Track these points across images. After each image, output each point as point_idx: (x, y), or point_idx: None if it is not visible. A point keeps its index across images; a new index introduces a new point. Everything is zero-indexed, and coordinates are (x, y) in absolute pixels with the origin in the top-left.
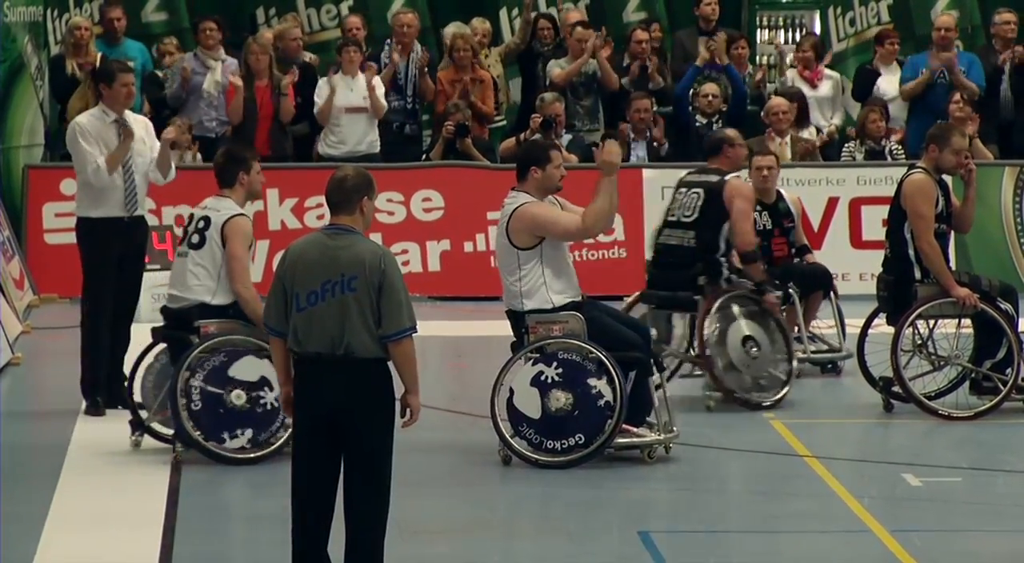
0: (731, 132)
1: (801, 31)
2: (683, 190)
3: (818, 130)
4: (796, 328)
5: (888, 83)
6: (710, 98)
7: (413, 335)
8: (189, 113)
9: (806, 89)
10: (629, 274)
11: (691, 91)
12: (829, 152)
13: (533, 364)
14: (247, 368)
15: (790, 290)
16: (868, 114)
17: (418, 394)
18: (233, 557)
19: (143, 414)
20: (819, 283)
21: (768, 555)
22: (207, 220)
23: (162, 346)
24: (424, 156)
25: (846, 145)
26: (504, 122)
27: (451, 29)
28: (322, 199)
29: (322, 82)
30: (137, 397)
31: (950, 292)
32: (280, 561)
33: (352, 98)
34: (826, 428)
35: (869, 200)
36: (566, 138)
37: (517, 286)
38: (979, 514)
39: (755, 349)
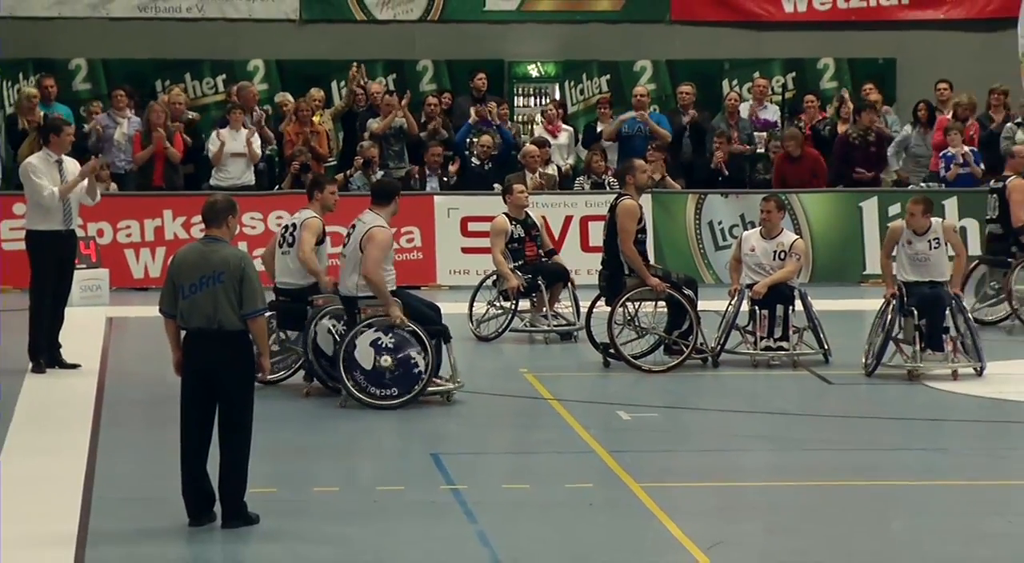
0: (1018, 146)
1: (546, 98)
2: (988, 196)
3: (558, 168)
4: (544, 309)
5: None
6: (485, 147)
7: (265, 313)
8: (105, 155)
9: (549, 138)
10: (424, 271)
11: (468, 140)
12: (565, 183)
13: (375, 331)
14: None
15: (539, 282)
16: (592, 157)
17: (268, 356)
18: (142, 474)
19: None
20: (560, 277)
21: (522, 469)
22: (294, 226)
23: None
24: (277, 186)
25: (577, 179)
26: (335, 162)
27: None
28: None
29: (222, 133)
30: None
31: (647, 282)
32: (176, 477)
33: (235, 146)
34: (564, 379)
35: (594, 218)
36: (380, 174)
37: (353, 279)
38: (671, 439)
39: None
